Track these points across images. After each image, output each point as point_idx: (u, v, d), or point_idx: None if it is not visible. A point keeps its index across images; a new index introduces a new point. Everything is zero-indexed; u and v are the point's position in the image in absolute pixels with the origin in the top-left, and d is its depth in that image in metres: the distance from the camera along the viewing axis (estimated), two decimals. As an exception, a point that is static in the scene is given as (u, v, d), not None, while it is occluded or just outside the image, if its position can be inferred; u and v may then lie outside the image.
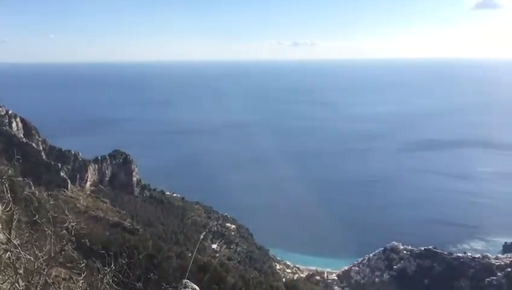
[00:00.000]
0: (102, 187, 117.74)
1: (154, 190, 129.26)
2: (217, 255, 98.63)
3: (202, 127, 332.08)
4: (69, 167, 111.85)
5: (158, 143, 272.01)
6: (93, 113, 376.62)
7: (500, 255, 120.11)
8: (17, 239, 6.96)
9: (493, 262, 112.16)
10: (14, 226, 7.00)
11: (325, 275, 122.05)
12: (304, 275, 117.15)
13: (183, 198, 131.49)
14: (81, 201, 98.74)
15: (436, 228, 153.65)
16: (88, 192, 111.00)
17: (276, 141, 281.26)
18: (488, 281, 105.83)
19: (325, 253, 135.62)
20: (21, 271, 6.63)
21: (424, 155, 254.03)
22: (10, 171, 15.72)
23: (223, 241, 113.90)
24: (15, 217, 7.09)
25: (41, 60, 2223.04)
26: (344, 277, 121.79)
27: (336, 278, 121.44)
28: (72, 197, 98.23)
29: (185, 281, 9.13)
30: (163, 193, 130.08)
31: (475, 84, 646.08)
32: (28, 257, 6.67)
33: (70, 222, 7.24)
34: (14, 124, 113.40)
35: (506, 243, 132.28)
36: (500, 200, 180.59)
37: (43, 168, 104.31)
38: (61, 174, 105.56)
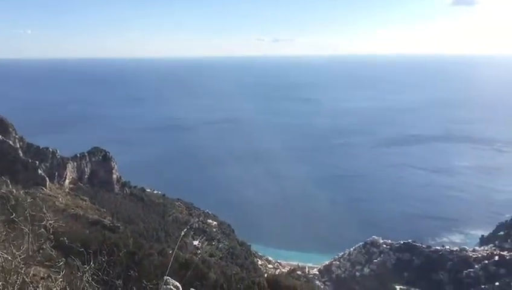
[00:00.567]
0: (82, 185, 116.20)
1: (135, 187, 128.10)
2: (199, 251, 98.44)
3: (183, 123, 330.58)
4: (47, 164, 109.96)
5: (138, 140, 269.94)
6: (71, 110, 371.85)
7: (477, 248, 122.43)
8: (-7, 238, 6.83)
9: (470, 255, 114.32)
10: (-10, 225, 6.88)
11: (307, 270, 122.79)
12: (286, 270, 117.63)
13: (164, 195, 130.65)
14: (60, 199, 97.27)
15: (415, 221, 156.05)
16: (67, 190, 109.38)
17: (257, 137, 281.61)
18: (465, 273, 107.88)
19: (306, 248, 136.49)
20: (-2, 270, 6.52)
21: (403, 150, 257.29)
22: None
23: (204, 237, 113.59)
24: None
25: (18, 55, 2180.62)
26: (325, 271, 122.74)
27: (317, 272, 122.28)
28: (50, 196, 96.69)
29: (166, 278, 9.09)
30: (143, 190, 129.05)
31: (453, 80, 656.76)
32: (5, 255, 6.56)
33: (48, 220, 7.15)
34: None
35: (482, 235, 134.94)
36: (476, 194, 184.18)
37: (20, 166, 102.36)
38: (39, 172, 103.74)
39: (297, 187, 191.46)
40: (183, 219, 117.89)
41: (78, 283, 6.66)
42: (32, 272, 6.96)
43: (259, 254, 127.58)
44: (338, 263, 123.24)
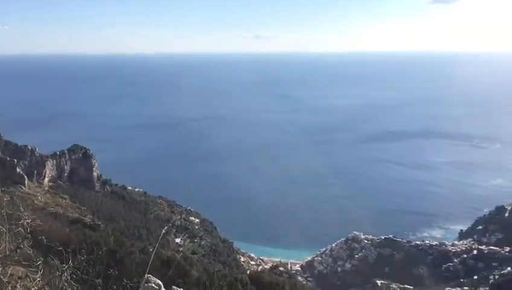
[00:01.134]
0: (61, 183, 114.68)
1: (116, 185, 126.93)
2: (181, 249, 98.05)
3: (164, 121, 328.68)
4: (26, 162, 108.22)
5: (120, 137, 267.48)
6: (51, 107, 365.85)
7: (456, 242, 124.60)
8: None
9: (450, 249, 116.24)
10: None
11: (289, 266, 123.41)
12: (268, 267, 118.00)
13: (145, 193, 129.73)
14: (39, 197, 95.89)
15: (395, 217, 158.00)
16: (46, 188, 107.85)
17: (239, 134, 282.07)
18: (445, 267, 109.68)
19: (289, 245, 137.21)
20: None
21: (384, 146, 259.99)
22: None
23: (186, 235, 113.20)
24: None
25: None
26: (307, 267, 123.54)
27: (299, 269, 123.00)
28: (29, 194, 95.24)
29: (147, 276, 9.01)
30: (124, 187, 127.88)
31: (433, 77, 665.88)
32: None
33: (25, 219, 7.03)
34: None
35: (462, 230, 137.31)
36: (455, 190, 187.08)
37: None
38: (18, 170, 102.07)
39: (278, 184, 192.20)
40: (165, 217, 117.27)
41: (57, 282, 6.58)
42: (9, 271, 6.85)
43: (242, 250, 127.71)
44: (320, 258, 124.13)
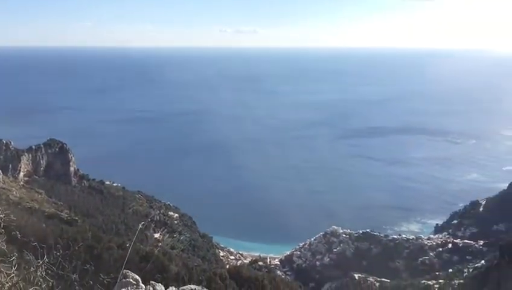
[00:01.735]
0: (37, 178, 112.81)
1: (93, 179, 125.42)
2: (160, 244, 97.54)
3: (144, 115, 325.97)
4: (1, 157, 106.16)
5: (97, 132, 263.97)
6: (27, 101, 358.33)
7: (432, 236, 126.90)
8: None
9: (426, 243, 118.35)
10: None
11: (268, 260, 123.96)
12: (247, 261, 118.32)
13: (123, 188, 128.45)
14: (14, 192, 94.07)
15: (373, 211, 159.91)
16: (22, 183, 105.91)
17: (219, 129, 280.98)
18: (421, 260, 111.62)
19: (268, 239, 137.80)
20: None
21: (362, 142, 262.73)
22: None
23: (165, 230, 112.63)
24: None
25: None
26: (286, 261, 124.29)
27: (278, 263, 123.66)
28: (4, 189, 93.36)
29: (125, 271, 8.94)
30: (102, 182, 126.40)
31: (412, 73, 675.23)
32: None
33: (-1, 214, 6.90)
34: None
35: (437, 224, 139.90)
36: (432, 185, 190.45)
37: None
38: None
39: (258, 178, 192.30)
40: (144, 212, 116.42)
41: (32, 278, 6.48)
42: (-18, 267, 6.72)
43: (221, 245, 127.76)
44: (299, 253, 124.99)
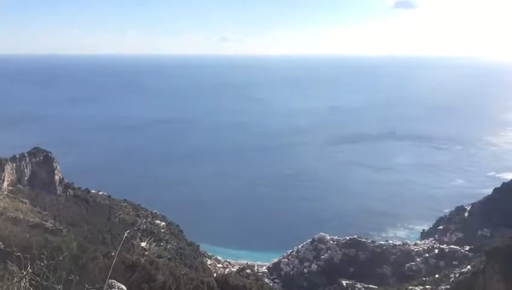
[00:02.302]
0: (21, 187, 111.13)
1: (79, 188, 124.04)
2: (146, 253, 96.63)
3: (130, 123, 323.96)
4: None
5: (82, 140, 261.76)
6: (10, 109, 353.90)
7: (418, 242, 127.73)
8: None
9: (412, 248, 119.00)
10: None
11: (256, 268, 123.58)
12: (235, 269, 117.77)
13: (109, 196, 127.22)
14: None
15: (360, 218, 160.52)
16: (5, 192, 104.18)
17: (206, 137, 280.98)
18: (407, 266, 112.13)
19: (255, 246, 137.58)
20: None
21: (349, 148, 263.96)
22: None
23: (152, 238, 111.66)
24: None
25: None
26: (274, 269, 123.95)
27: (266, 270, 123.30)
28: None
29: (111, 281, 8.83)
30: (88, 191, 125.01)
31: (396, 80, 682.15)
32: None
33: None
34: None
35: (424, 230, 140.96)
36: (418, 191, 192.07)
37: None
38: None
39: (245, 186, 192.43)
40: (130, 220, 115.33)
41: (16, 289, 6.35)
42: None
43: (208, 253, 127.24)
44: (286, 260, 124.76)
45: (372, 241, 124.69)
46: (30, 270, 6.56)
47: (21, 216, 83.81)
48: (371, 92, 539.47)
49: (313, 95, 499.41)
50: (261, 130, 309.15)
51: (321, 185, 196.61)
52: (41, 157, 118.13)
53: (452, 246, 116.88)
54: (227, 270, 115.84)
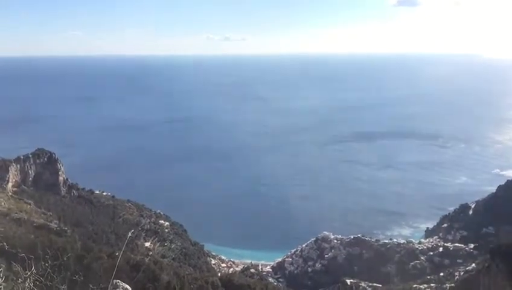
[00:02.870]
0: (26, 188, 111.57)
1: (83, 189, 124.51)
2: (151, 253, 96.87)
3: (132, 123, 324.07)
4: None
5: (87, 141, 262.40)
6: (13, 110, 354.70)
7: (422, 240, 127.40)
8: None
9: (416, 247, 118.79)
10: None
11: (260, 267, 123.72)
12: (239, 269, 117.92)
13: (113, 196, 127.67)
14: (2, 203, 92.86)
15: (364, 216, 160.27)
16: (10, 193, 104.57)
17: (208, 136, 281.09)
18: (412, 265, 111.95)
19: (259, 246, 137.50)
20: None
21: (351, 147, 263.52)
22: None
23: (156, 239, 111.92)
24: None
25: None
26: (278, 268, 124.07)
27: (270, 270, 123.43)
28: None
29: (115, 281, 8.85)
30: (92, 192, 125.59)
31: (399, 78, 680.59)
32: None
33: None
34: None
35: (428, 228, 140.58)
36: (422, 189, 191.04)
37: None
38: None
39: (249, 185, 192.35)
40: (134, 221, 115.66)
41: (20, 290, 6.39)
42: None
43: (213, 253, 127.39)
44: (290, 259, 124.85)
45: (376, 240, 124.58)
46: (34, 270, 6.59)
47: (25, 217, 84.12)
48: (373, 90, 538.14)
49: (315, 94, 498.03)
50: (263, 129, 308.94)
51: (324, 184, 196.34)
52: (45, 159, 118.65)
53: (456, 244, 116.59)
54: (231, 269, 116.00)
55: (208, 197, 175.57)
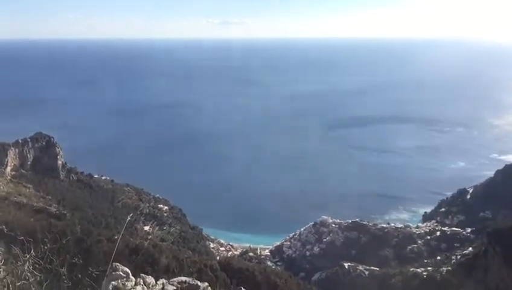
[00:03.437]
0: (24, 172, 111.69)
1: (82, 173, 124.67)
2: (150, 237, 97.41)
3: (130, 107, 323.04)
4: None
5: (85, 125, 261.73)
6: (10, 93, 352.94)
7: (420, 224, 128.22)
8: None
9: (414, 231, 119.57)
10: None
11: (258, 251, 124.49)
12: (238, 253, 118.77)
13: (112, 181, 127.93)
14: (1, 187, 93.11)
15: (362, 201, 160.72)
16: (9, 177, 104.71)
17: (207, 120, 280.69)
18: (409, 249, 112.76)
19: (258, 230, 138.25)
20: None
21: (350, 132, 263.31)
22: None
23: (155, 222, 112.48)
24: None
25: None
26: (276, 252, 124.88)
27: (268, 253, 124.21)
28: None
29: (115, 264, 8.89)
30: (91, 176, 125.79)
31: (400, 63, 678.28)
32: None
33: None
34: None
35: (425, 212, 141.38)
36: (419, 173, 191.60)
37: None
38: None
39: (247, 170, 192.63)
40: (133, 205, 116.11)
41: (19, 272, 6.41)
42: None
43: (211, 237, 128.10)
44: (289, 243, 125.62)
45: (374, 224, 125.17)
46: (33, 253, 6.61)
47: (25, 201, 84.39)
48: (372, 74, 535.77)
49: (315, 78, 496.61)
50: (262, 113, 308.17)
51: (323, 168, 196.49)
52: (43, 143, 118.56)
53: (454, 229, 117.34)
54: (230, 253, 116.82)
55: (207, 181, 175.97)
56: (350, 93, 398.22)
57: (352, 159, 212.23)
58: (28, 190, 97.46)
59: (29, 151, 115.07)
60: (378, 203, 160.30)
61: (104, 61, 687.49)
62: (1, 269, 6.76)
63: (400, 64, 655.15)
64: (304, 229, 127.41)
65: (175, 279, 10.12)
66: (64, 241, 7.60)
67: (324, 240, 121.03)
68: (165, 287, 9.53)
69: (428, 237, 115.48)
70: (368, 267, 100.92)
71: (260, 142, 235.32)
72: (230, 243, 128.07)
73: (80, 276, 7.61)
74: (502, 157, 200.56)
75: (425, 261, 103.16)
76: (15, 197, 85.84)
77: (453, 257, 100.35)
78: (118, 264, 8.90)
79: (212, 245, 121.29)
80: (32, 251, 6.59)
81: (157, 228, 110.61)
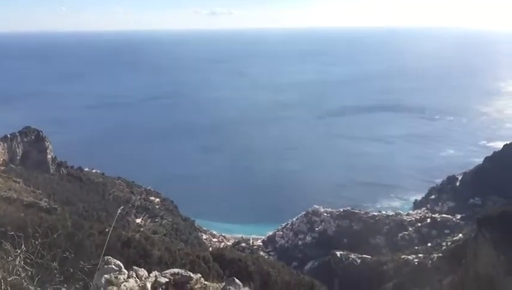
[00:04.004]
0: (14, 166, 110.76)
1: (72, 167, 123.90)
2: (142, 229, 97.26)
3: (118, 100, 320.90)
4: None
5: (73, 118, 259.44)
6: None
7: (411, 212, 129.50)
8: None
9: (405, 218, 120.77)
10: None
11: (251, 241, 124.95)
12: (230, 243, 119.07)
13: (103, 174, 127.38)
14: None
15: (353, 189, 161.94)
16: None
17: (195, 112, 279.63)
18: (400, 236, 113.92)
19: (250, 220, 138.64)
20: None
21: (338, 121, 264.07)
22: None
23: (147, 215, 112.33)
24: None
25: None
26: (269, 242, 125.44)
27: (261, 244, 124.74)
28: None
29: (107, 257, 8.85)
30: (81, 169, 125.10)
31: (386, 52, 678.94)
32: None
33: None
34: None
35: (416, 200, 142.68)
36: (410, 162, 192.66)
37: None
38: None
39: (237, 160, 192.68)
40: (125, 197, 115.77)
41: (10, 268, 6.35)
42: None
43: (204, 228, 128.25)
44: (281, 233, 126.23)
45: (365, 212, 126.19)
46: (24, 248, 6.54)
47: (15, 196, 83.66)
48: (359, 63, 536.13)
49: (302, 69, 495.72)
50: (251, 104, 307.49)
51: (313, 158, 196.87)
52: (32, 137, 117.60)
53: (444, 215, 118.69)
54: (222, 244, 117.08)
55: (198, 172, 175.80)
56: (337, 82, 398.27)
57: (342, 148, 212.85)
58: (17, 185, 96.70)
59: (18, 146, 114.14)
60: (369, 191, 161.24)
61: (90, 54, 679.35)
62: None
63: (387, 53, 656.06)
64: (296, 219, 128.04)
65: (168, 271, 10.11)
66: (55, 236, 7.53)
67: (316, 229, 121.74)
68: (158, 279, 9.51)
69: (419, 224, 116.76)
70: (360, 255, 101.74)
71: (249, 133, 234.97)
72: (223, 234, 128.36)
73: (71, 270, 7.55)
74: (491, 144, 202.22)
75: (416, 248, 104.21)
76: (5, 192, 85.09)
77: (444, 244, 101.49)
78: (110, 257, 8.86)
79: (204, 236, 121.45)
80: (23, 246, 6.53)
81: (149, 220, 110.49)
